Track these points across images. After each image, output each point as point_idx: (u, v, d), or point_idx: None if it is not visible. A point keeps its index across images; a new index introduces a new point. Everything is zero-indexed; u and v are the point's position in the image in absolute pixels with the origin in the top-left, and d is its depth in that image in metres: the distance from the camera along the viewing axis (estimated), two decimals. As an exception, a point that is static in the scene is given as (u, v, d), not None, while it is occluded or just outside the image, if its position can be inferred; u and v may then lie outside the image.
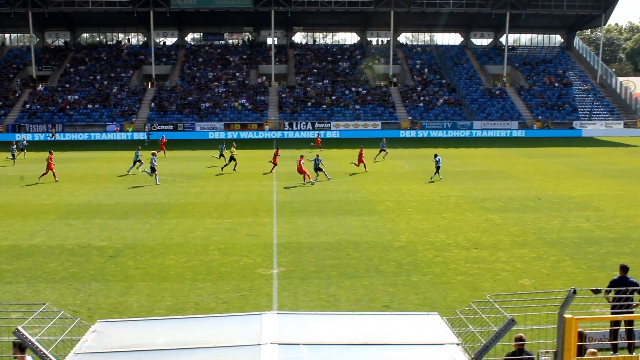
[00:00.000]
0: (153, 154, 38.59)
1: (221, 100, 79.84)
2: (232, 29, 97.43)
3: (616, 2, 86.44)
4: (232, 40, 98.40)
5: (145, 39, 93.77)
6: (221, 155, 46.09)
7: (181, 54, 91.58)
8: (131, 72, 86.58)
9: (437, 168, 38.33)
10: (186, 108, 77.64)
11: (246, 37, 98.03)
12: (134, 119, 75.60)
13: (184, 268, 19.30)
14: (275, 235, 23.58)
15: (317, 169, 37.86)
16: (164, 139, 54.88)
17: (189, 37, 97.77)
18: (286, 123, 75.56)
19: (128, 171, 41.84)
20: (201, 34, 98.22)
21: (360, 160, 42.07)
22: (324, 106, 79.57)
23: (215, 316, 8.91)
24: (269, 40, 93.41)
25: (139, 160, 42.19)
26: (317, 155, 39.13)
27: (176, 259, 20.26)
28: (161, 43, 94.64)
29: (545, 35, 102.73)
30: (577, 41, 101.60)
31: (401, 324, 8.75)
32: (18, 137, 63.89)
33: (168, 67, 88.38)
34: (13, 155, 48.04)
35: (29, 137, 67.37)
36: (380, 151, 49.67)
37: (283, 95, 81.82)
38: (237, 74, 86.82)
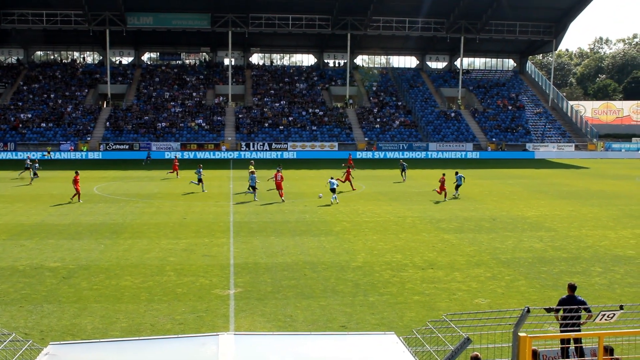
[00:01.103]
0: (252, 173, 39.27)
1: (178, 120, 79.47)
2: (189, 49, 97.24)
3: (566, 28, 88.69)
4: (189, 60, 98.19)
5: (101, 57, 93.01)
6: (200, 180, 42.76)
7: (137, 73, 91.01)
8: (86, 90, 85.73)
9: (458, 186, 39.79)
10: (142, 128, 77.06)
11: (203, 57, 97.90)
12: (88, 138, 74.75)
13: (139, 289, 19.07)
14: (232, 255, 23.45)
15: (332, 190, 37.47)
16: (177, 160, 53.09)
17: (145, 57, 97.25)
18: (243, 143, 75.48)
19: (203, 190, 41.95)
20: (158, 53, 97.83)
21: (442, 187, 39.55)
22: (281, 127, 79.72)
23: (171, 338, 8.83)
24: (226, 61, 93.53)
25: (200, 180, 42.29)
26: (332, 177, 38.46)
27: (131, 280, 20.01)
28: (117, 62, 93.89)
29: (498, 59, 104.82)
30: (530, 65, 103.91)
31: (358, 344, 8.80)
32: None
33: (124, 86, 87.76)
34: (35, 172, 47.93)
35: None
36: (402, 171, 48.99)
37: (240, 116, 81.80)
38: (194, 94, 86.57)
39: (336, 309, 17.32)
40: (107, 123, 77.80)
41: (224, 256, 23.34)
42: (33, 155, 62.32)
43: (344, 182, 43.30)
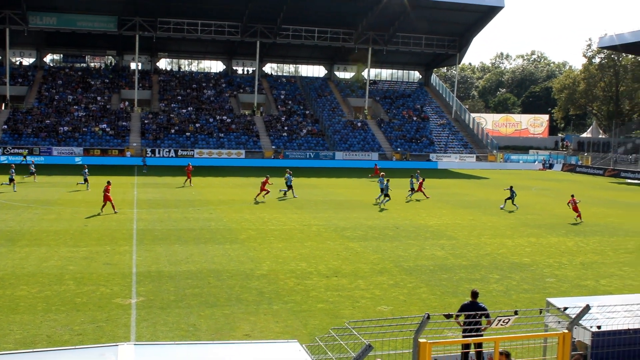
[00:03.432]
0: (289, 172, 44.59)
1: (81, 124, 77.29)
2: (94, 51, 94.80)
3: (469, 43, 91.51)
4: (94, 63, 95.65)
5: (0, 57, 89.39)
6: (85, 180, 45.58)
7: (39, 75, 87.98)
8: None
9: (512, 198, 41.30)
10: (43, 131, 74.53)
11: (109, 61, 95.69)
12: (-16, 142, 71.72)
13: (36, 299, 18.42)
14: (134, 263, 22.98)
15: (386, 194, 41.04)
16: (191, 167, 51.27)
17: (47, 58, 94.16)
18: (148, 149, 74.13)
19: (289, 194, 44.19)
20: (61, 55, 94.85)
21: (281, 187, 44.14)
22: (188, 133, 78.79)
23: (69, 349, 8.58)
24: (133, 65, 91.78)
25: (290, 186, 44.09)
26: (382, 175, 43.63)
27: (27, 290, 19.30)
28: (17, 63, 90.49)
29: (404, 71, 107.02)
30: (434, 78, 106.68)
31: (261, 353, 8.80)
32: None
33: (24, 88, 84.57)
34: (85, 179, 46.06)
35: None
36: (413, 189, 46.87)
37: (146, 122, 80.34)
38: (99, 98, 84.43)
39: (240, 317, 17.24)
40: (5, 126, 74.83)
41: (126, 264, 22.85)
42: None
43: (416, 190, 45.69)
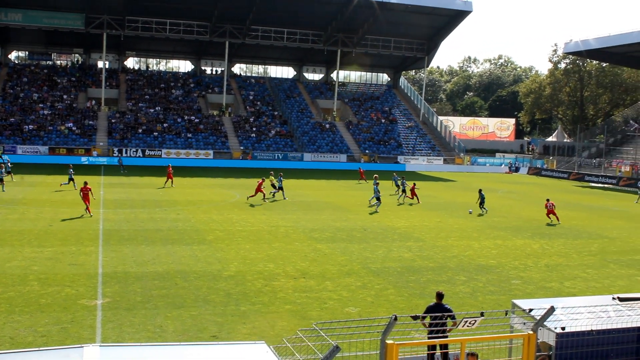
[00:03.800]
0: (280, 175, 45.28)
1: (46, 123, 76.28)
2: (61, 49, 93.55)
3: (438, 47, 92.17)
4: (61, 61, 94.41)
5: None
6: (70, 179, 45.28)
7: (3, 72, 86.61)
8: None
9: (482, 201, 41.20)
10: (7, 130, 73.41)
11: (76, 59, 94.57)
12: (-53, 140, 70.44)
13: (-1, 299, 18.16)
14: (100, 264, 22.75)
15: (377, 197, 40.90)
16: (171, 168, 50.61)
17: (12, 55, 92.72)
18: (115, 149, 73.44)
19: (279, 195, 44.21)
20: (27, 52, 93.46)
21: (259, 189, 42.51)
22: (155, 133, 78.21)
23: (33, 351, 8.46)
24: (100, 64, 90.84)
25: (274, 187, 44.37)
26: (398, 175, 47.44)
27: (-10, 290, 19.01)
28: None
29: (373, 73, 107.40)
30: (403, 81, 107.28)
31: (228, 354, 8.78)
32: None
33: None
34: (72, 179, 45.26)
35: None
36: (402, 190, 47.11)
37: (113, 121, 79.57)
38: (65, 96, 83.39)
39: (207, 318, 17.17)
40: (-32, 124, 73.64)
41: (92, 265, 22.62)
42: None
43: (411, 198, 45.59)
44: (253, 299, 19.17)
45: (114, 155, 71.84)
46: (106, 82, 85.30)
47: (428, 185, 60.46)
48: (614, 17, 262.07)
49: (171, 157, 74.14)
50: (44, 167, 61.49)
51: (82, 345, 8.13)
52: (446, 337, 11.69)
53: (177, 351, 8.76)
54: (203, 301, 18.75)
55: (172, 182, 49.12)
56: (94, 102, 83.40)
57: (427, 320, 13.31)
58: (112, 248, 25.64)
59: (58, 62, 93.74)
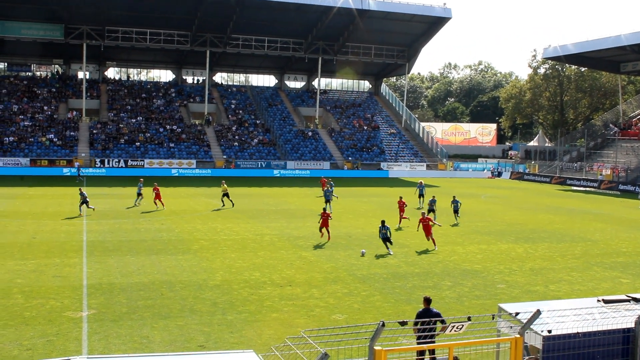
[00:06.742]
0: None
1: (27, 134, 75.74)
2: (40, 60, 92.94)
3: (418, 53, 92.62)
4: (40, 72, 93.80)
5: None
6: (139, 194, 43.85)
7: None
8: None
9: (457, 209, 39.39)
10: (-13, 142, 72.84)
11: (55, 70, 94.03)
12: None
13: (-17, 313, 17.98)
14: (85, 276, 22.60)
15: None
16: (158, 189, 42.71)
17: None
18: (97, 160, 73.06)
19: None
20: (5, 63, 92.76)
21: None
22: (138, 143, 77.90)
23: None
24: (80, 74, 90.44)
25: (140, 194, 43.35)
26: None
27: (-26, 304, 18.84)
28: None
29: (355, 80, 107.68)
30: (384, 87, 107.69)
31: (217, 363, 8.76)
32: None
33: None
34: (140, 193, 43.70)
35: None
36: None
37: (94, 131, 79.18)
38: (45, 107, 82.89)
39: (194, 328, 17.10)
40: (-52, 136, 72.96)
41: (77, 277, 22.47)
42: None
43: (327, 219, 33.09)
44: (240, 308, 19.12)
45: (96, 166, 71.40)
46: (87, 92, 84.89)
47: (411, 192, 60.51)
48: (591, 22, 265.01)
49: (154, 167, 73.84)
50: (25, 180, 60.97)
51: (69, 357, 8.09)
52: (434, 342, 11.74)
53: (166, 362, 8.74)
54: (189, 311, 18.68)
55: (162, 204, 42.32)
56: (75, 112, 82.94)
57: (418, 326, 13.36)
58: (96, 259, 25.49)
59: (38, 73, 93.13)
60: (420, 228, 31.09)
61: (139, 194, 43.52)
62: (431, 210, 39.17)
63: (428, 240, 29.99)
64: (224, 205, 43.51)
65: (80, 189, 38.98)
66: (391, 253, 27.84)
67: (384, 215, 38.07)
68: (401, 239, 32.36)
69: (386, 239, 28.17)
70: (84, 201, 37.79)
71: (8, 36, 78.95)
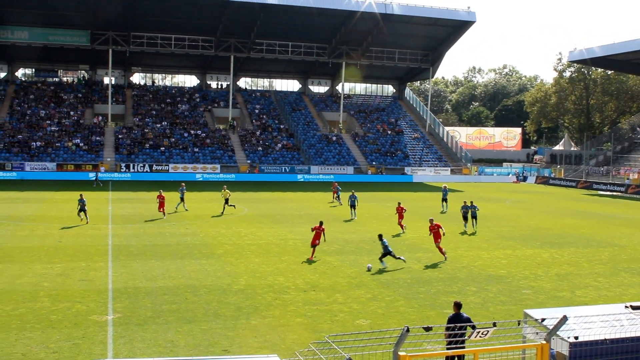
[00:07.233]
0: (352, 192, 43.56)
1: (54, 139, 76.61)
2: (67, 66, 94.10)
3: (442, 57, 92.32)
4: (67, 77, 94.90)
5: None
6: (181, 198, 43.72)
7: (10, 89, 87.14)
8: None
9: (475, 216, 37.71)
10: (15, 147, 73.74)
11: (82, 75, 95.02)
12: (-45, 157, 70.77)
13: (10, 317, 18.16)
14: (110, 280, 22.77)
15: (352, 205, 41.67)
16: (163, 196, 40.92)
17: (19, 72, 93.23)
18: (123, 164, 73.65)
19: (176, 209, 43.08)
20: (33, 69, 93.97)
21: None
22: (162, 148, 78.42)
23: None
24: (106, 80, 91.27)
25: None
26: (353, 192, 43.15)
27: (1, 307, 19.03)
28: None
29: (378, 85, 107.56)
30: (408, 92, 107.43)
31: (241, 368, 8.77)
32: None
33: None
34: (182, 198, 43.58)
35: None
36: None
37: (120, 136, 79.86)
38: (72, 112, 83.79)
39: (218, 332, 17.14)
40: (-24, 142, 73.97)
41: (102, 280, 22.64)
42: None
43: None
44: (263, 313, 19.13)
45: (121, 170, 71.99)
46: (112, 97, 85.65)
47: (435, 196, 60.26)
48: (618, 25, 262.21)
49: (178, 172, 74.28)
50: (52, 184, 61.64)
51: (96, 361, 8.13)
52: (464, 347, 11.67)
53: (191, 366, 8.76)
54: (213, 315, 18.73)
55: (164, 213, 40.36)
56: (100, 118, 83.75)
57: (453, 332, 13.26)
58: (121, 263, 25.67)
59: (64, 79, 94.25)
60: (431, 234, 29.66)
61: (182, 199, 43.35)
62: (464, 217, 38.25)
63: (436, 247, 28.66)
64: (223, 211, 43.17)
65: (80, 195, 37.65)
66: (404, 260, 27.17)
67: (406, 219, 37.98)
68: (425, 244, 32.19)
69: (388, 254, 26.16)
70: (82, 209, 36.69)
71: (35, 42, 80.00)
